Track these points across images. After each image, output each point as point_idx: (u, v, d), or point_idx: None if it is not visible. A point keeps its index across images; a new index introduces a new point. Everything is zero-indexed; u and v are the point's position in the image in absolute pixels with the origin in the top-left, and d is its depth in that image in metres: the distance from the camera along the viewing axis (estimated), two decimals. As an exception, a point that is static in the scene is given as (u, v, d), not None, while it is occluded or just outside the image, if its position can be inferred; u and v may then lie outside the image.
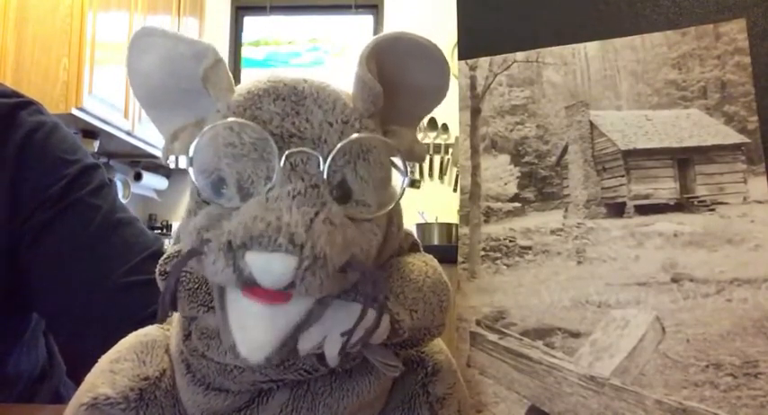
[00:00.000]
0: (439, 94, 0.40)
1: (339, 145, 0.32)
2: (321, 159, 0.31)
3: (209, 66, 0.34)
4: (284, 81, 0.34)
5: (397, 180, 0.35)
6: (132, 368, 0.38)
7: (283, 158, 0.31)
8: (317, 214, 0.29)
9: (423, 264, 0.39)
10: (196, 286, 0.34)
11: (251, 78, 0.35)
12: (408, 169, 0.36)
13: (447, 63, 0.39)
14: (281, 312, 0.30)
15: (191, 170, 0.32)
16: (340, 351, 0.32)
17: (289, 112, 0.33)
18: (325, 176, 0.31)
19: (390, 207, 0.34)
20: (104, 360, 0.39)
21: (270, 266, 0.28)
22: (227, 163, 0.31)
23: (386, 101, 0.35)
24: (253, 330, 0.30)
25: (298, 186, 0.30)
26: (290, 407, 0.36)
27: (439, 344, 0.44)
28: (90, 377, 0.39)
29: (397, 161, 0.35)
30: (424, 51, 0.37)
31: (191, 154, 0.32)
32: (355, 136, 0.33)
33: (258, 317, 0.30)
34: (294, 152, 0.31)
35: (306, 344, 0.32)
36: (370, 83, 0.34)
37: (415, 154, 0.37)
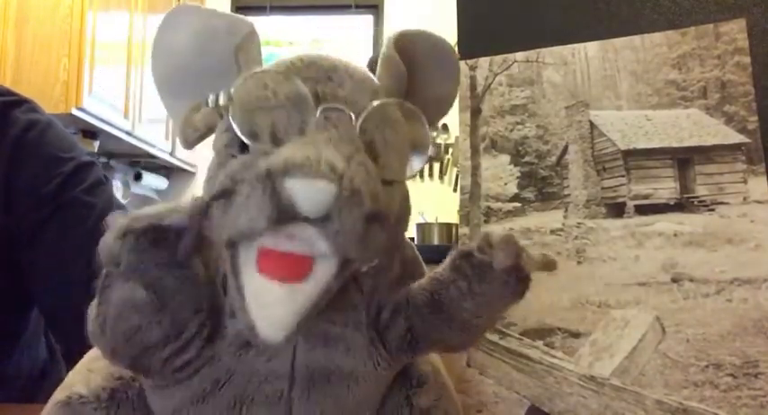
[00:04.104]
0: (447, 101, 0.40)
1: (372, 106, 0.32)
2: (353, 116, 0.32)
3: (245, 36, 0.34)
4: (314, 53, 0.35)
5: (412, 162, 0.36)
6: (107, 367, 0.37)
7: (318, 110, 0.31)
8: (353, 155, 0.29)
9: None
10: None
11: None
12: (430, 141, 0.36)
13: (458, 68, 0.39)
14: (298, 290, 0.30)
15: (229, 114, 0.32)
16: None
17: (321, 78, 0.33)
18: (357, 132, 0.31)
19: (411, 175, 0.34)
20: (86, 358, 0.39)
21: (311, 191, 0.27)
22: (261, 115, 0.32)
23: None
24: (272, 309, 0.30)
25: (333, 134, 0.31)
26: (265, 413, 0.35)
27: (429, 355, 0.43)
28: (70, 375, 0.39)
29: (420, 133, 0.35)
30: (442, 52, 0.38)
31: (229, 99, 0.32)
32: (387, 100, 0.33)
33: (277, 296, 0.29)
34: (329, 106, 0.32)
35: None
36: (396, 62, 0.35)
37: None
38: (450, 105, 0.41)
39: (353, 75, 0.34)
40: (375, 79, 0.35)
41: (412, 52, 0.37)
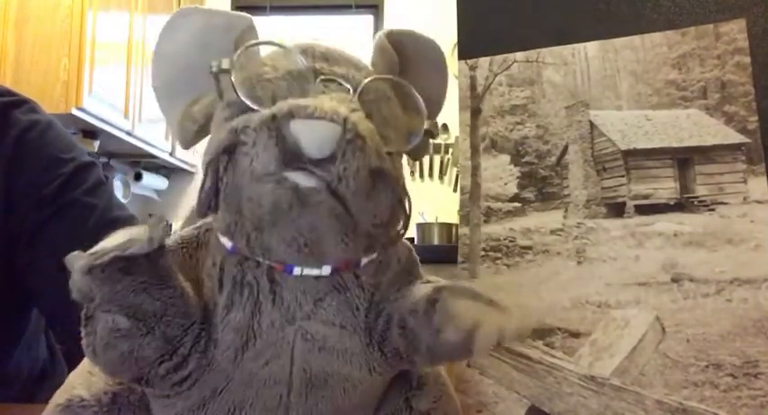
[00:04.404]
0: (436, 101, 0.40)
1: (369, 79, 0.33)
2: (351, 89, 0.32)
3: (244, 29, 0.35)
4: (311, 41, 0.36)
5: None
6: None
7: (317, 81, 0.32)
8: (354, 110, 0.30)
9: None
10: None
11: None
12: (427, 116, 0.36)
13: (447, 68, 0.39)
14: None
15: (233, 79, 0.32)
16: None
17: (318, 57, 0.34)
18: (356, 100, 0.32)
19: (408, 148, 0.35)
20: (87, 360, 0.39)
21: (315, 131, 0.28)
22: (261, 86, 0.32)
23: None
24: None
25: (333, 96, 0.31)
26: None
27: None
28: (70, 377, 0.39)
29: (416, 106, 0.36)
30: (429, 51, 0.38)
31: (231, 64, 0.32)
32: (382, 76, 0.34)
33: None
34: (327, 78, 0.32)
35: None
36: (389, 50, 0.36)
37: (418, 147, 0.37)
38: (440, 105, 0.41)
39: (349, 58, 0.35)
40: (369, 65, 0.36)
41: (401, 50, 0.37)
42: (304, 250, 0.31)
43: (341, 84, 0.32)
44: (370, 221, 0.30)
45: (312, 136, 0.28)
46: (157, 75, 0.37)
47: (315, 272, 0.33)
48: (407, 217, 0.33)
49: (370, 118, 0.32)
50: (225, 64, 0.32)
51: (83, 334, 0.32)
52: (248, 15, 0.36)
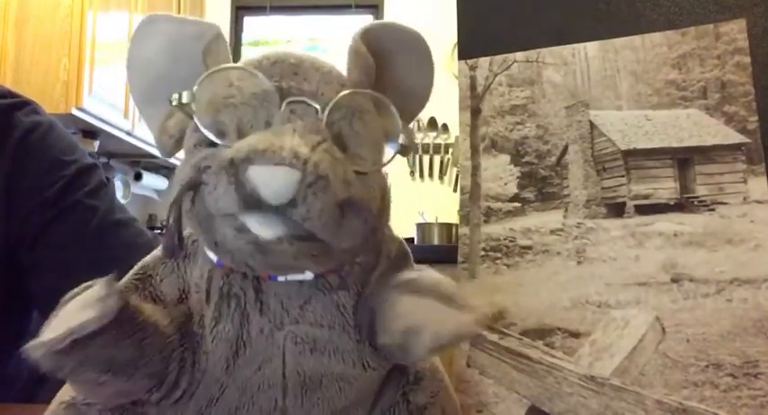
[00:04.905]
0: (422, 92, 0.40)
1: (339, 96, 0.32)
2: (320, 109, 0.32)
3: (211, 39, 0.34)
4: (282, 50, 0.35)
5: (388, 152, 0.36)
6: None
7: (284, 104, 0.31)
8: (318, 143, 0.29)
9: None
10: None
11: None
12: (401, 134, 0.35)
13: (432, 57, 0.39)
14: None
15: (194, 116, 0.32)
16: None
17: (287, 73, 0.33)
18: (324, 124, 0.31)
19: (385, 164, 0.34)
20: None
21: (273, 178, 0.27)
22: (226, 112, 0.31)
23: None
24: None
25: (298, 125, 0.30)
26: None
27: None
28: None
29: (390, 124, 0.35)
30: (411, 42, 0.38)
31: (191, 98, 0.32)
32: (353, 90, 0.33)
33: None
34: (294, 100, 0.32)
35: None
36: (364, 54, 0.35)
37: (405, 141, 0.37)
38: (427, 95, 0.40)
39: (320, 69, 0.34)
40: (343, 73, 0.35)
41: (380, 45, 0.37)
42: (280, 272, 0.32)
43: (309, 105, 0.32)
44: (342, 247, 0.31)
45: (270, 184, 0.27)
46: (131, 83, 0.37)
47: (299, 277, 0.33)
48: (379, 243, 0.33)
49: (340, 137, 0.32)
50: (185, 98, 0.32)
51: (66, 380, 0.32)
52: (216, 24, 0.36)
